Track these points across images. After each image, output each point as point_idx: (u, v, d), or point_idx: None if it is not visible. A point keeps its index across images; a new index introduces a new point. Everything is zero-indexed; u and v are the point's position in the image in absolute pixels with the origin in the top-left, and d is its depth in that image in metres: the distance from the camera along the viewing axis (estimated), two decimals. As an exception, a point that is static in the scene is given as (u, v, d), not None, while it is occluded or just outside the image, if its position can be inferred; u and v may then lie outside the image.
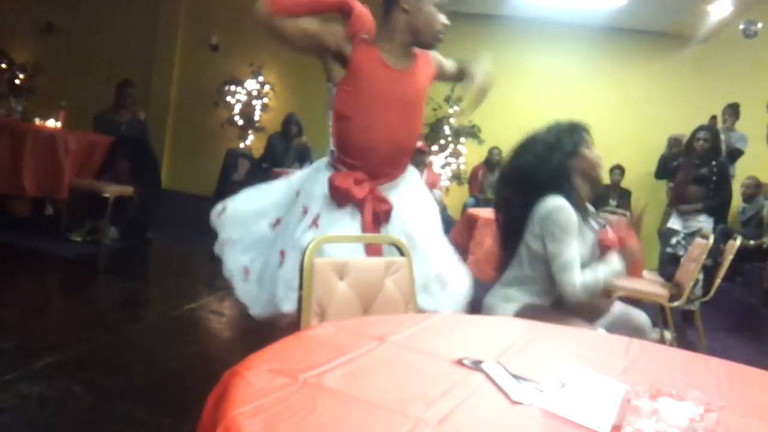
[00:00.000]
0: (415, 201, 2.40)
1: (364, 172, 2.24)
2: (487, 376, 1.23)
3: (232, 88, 9.13)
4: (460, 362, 1.29)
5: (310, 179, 2.37)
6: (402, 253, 2.02)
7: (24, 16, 9.43)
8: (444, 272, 2.38)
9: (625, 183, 7.90)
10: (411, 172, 2.45)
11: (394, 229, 2.29)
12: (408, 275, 2.00)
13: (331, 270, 1.82)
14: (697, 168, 5.00)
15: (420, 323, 1.58)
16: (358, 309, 1.88)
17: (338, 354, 1.24)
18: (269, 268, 2.33)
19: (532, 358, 1.41)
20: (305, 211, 2.29)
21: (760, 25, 3.80)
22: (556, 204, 2.32)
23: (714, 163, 5.01)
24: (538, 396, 1.14)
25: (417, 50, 2.31)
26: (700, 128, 5.10)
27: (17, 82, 8.92)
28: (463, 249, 4.80)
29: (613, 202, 7.57)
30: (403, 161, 2.35)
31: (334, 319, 1.70)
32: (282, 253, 2.27)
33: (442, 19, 2.24)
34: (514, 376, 1.24)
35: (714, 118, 6.87)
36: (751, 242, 5.99)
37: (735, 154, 6.38)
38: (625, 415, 1.05)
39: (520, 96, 8.63)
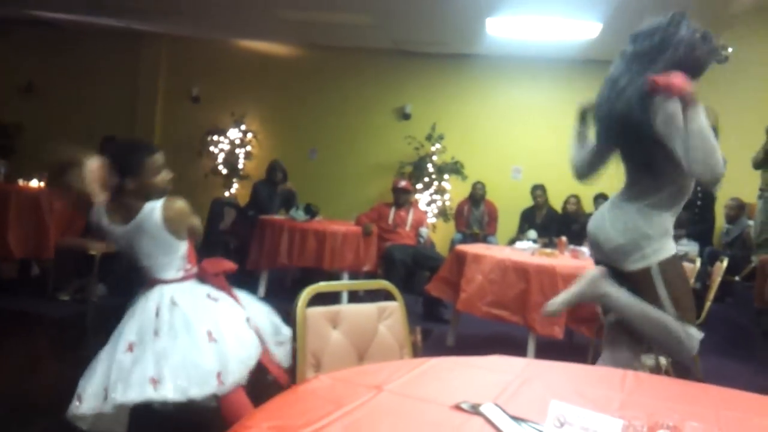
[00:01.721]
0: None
1: None
2: (487, 419, 1.23)
3: (215, 137, 9.19)
4: (458, 407, 1.29)
5: None
6: (394, 298, 2.02)
7: (3, 77, 9.47)
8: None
9: (609, 211, 7.97)
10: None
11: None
12: (401, 319, 2.00)
13: (323, 319, 1.83)
14: None
15: (415, 369, 1.58)
16: (354, 357, 1.88)
17: (336, 407, 1.24)
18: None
19: (529, 398, 1.41)
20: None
21: (730, 50, 3.89)
22: None
23: (699, 187, 5.04)
24: None
25: None
26: None
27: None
28: (454, 286, 4.80)
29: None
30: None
31: (330, 368, 1.70)
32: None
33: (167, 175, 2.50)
34: (513, 417, 1.24)
35: None
36: (736, 278, 6.00)
37: (715, 176, 6.46)
38: None
39: (500, 131, 8.76)
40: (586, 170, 2.75)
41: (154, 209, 2.40)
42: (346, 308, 1.93)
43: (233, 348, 2.26)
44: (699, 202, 4.99)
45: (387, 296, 2.05)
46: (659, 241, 2.38)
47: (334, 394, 1.32)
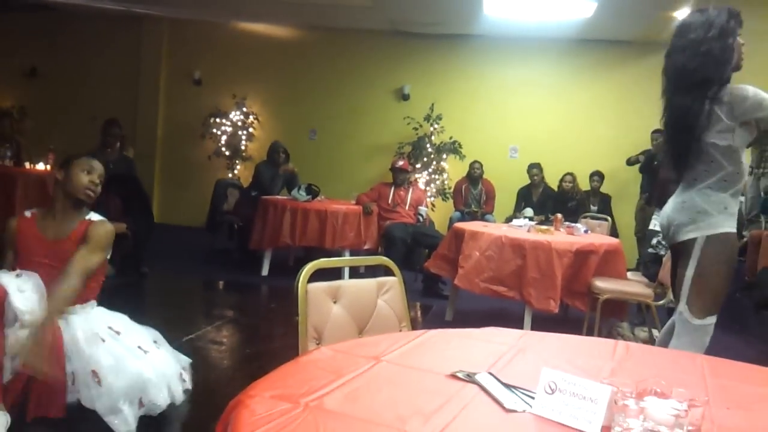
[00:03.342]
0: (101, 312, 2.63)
1: None
2: (481, 387, 1.29)
3: (218, 120, 9.23)
4: (454, 376, 1.35)
5: None
6: (393, 273, 2.08)
7: (8, 62, 9.51)
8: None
9: (605, 188, 8.03)
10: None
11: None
12: (399, 293, 2.06)
13: (324, 294, 1.88)
14: None
15: (413, 340, 1.64)
16: (354, 330, 1.93)
17: (337, 376, 1.29)
18: None
19: (522, 367, 1.47)
20: None
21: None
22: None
23: None
24: (530, 403, 1.21)
25: (82, 221, 2.60)
26: None
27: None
28: (452, 263, 4.89)
29: (594, 208, 7.70)
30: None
31: (330, 341, 1.75)
32: None
33: (91, 178, 2.60)
34: (507, 385, 1.30)
35: None
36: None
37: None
38: (614, 415, 1.10)
39: (497, 111, 8.79)
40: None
41: None
42: (346, 283, 1.97)
43: None
44: None
45: (387, 272, 2.09)
46: (715, 216, 2.50)
47: (335, 365, 1.37)
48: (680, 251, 2.61)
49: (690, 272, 2.52)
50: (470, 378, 1.33)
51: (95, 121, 6.50)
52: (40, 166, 5.96)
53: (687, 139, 2.53)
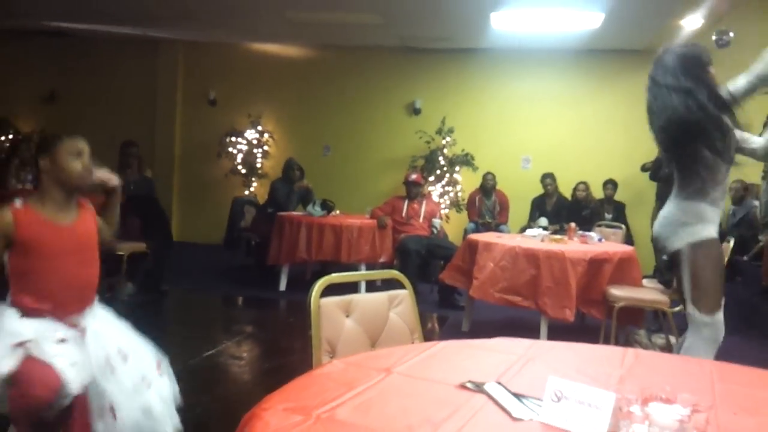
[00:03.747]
0: (109, 321, 2.48)
1: (51, 313, 2.27)
2: (489, 396, 1.32)
3: (233, 139, 9.35)
4: (463, 386, 1.38)
5: None
6: (404, 286, 2.12)
7: (27, 87, 9.73)
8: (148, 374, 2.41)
9: (619, 196, 8.03)
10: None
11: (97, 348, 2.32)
12: (411, 306, 2.09)
13: (337, 308, 1.92)
14: None
15: (424, 352, 1.66)
16: (367, 343, 1.96)
17: (348, 388, 1.32)
18: None
19: (531, 376, 1.49)
20: None
21: (731, 35, 4.03)
22: None
23: None
24: (537, 411, 1.23)
25: (83, 200, 2.46)
26: None
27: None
28: (467, 274, 4.92)
29: (608, 216, 7.68)
30: (89, 296, 2.41)
31: (344, 354, 1.78)
32: None
33: (83, 163, 2.37)
34: (515, 394, 1.32)
35: None
36: (745, 258, 6.07)
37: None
38: (619, 422, 1.13)
39: (508, 122, 8.82)
40: None
41: None
42: (358, 297, 2.00)
43: None
44: None
45: (401, 285, 2.12)
46: (694, 226, 2.73)
47: (347, 377, 1.40)
48: (675, 260, 2.84)
49: (687, 277, 2.75)
50: (479, 388, 1.36)
51: (112, 142, 6.61)
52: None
53: (690, 151, 2.74)
